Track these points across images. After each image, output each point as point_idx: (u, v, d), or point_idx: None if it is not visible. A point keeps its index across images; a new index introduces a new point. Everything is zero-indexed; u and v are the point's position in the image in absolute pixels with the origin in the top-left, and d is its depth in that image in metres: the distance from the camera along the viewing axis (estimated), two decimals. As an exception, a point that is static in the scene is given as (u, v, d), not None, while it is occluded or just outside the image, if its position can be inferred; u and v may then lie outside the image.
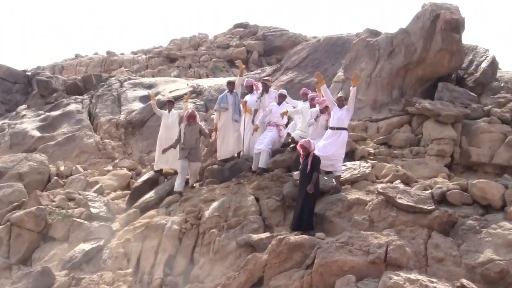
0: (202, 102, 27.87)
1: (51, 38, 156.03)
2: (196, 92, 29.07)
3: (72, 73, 42.56)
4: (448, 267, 10.25)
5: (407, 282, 9.44)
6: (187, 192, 16.04)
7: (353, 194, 12.98)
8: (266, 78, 19.48)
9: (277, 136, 16.30)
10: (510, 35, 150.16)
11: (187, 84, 30.72)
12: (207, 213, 14.05)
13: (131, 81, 31.95)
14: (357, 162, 14.75)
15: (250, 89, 17.73)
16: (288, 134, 16.65)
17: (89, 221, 16.03)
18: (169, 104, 18.95)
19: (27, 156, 21.60)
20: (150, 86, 30.58)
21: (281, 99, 16.65)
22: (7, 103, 32.89)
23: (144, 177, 18.55)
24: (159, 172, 18.20)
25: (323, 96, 14.57)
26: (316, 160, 12.32)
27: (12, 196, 18.42)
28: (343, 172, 13.92)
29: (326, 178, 13.73)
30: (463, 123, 15.48)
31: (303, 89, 17.65)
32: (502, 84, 18.38)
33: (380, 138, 16.29)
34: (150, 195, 16.97)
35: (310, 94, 16.09)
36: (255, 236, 12.28)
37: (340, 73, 21.40)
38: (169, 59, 45.32)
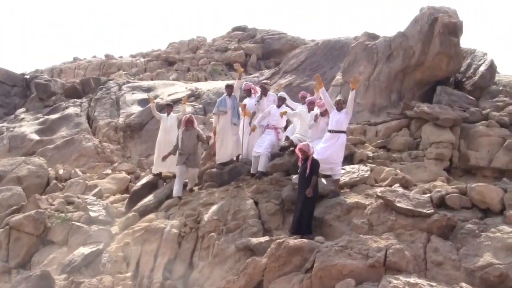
0: (200, 106, 27.84)
1: (49, 41, 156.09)
2: (195, 96, 29.07)
3: (70, 76, 42.64)
4: (447, 271, 10.26)
5: (407, 286, 9.45)
6: (186, 196, 16.05)
7: (352, 198, 13.00)
8: (265, 81, 19.47)
9: (275, 140, 16.31)
10: (509, 35, 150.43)
11: (186, 88, 30.72)
12: (206, 217, 14.06)
13: (129, 85, 31.94)
14: (356, 166, 14.78)
15: (248, 92, 17.73)
16: (287, 138, 16.67)
17: (88, 224, 16.01)
18: (167, 107, 18.99)
19: (26, 160, 21.61)
20: (148, 90, 30.57)
21: (280, 101, 16.65)
22: (6, 107, 32.88)
23: (143, 180, 18.55)
24: (158, 175, 18.23)
25: (320, 99, 14.62)
26: (315, 163, 12.35)
27: (11, 199, 18.43)
28: (342, 176, 13.95)
29: (324, 181, 13.74)
30: (461, 126, 15.51)
31: (301, 92, 17.69)
32: (500, 88, 18.38)
33: (378, 141, 16.30)
34: (149, 198, 16.96)
35: (308, 97, 16.11)
36: (254, 240, 12.29)
37: (339, 77, 21.39)
38: (167, 62, 45.40)
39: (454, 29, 17.61)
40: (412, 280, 9.64)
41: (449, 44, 17.50)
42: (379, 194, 12.13)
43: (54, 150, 25.27)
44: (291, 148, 15.72)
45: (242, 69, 18.00)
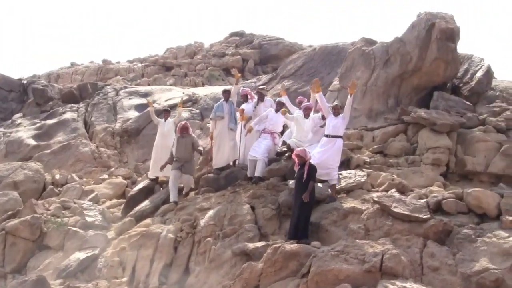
0: (197, 111, 27.84)
1: (47, 47, 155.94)
2: (192, 101, 29.07)
3: (67, 82, 42.62)
4: (443, 276, 10.27)
5: (403, 291, 9.46)
6: (182, 201, 16.03)
7: (349, 203, 12.98)
8: (261, 87, 19.49)
9: (272, 144, 16.29)
10: (509, 36, 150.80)
11: (183, 93, 30.72)
12: (202, 222, 14.04)
13: (126, 90, 31.93)
14: (353, 171, 14.77)
15: (245, 98, 17.74)
16: (284, 142, 16.66)
17: (84, 229, 15.99)
18: (165, 113, 19.24)
19: (22, 165, 21.55)
20: (145, 95, 30.55)
21: (279, 106, 16.62)
22: (3, 112, 32.81)
23: (140, 185, 18.54)
24: (155, 180, 18.24)
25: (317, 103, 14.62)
26: (313, 169, 12.35)
27: (7, 204, 18.37)
28: (338, 181, 13.95)
29: (321, 186, 13.72)
30: (458, 132, 15.53)
31: (299, 97, 17.70)
32: (497, 93, 18.45)
33: (375, 147, 16.30)
34: (145, 203, 16.94)
35: (304, 103, 16.09)
36: (251, 245, 12.27)
37: (336, 82, 21.42)
38: (165, 68, 45.44)
39: (451, 34, 17.65)
40: (408, 285, 9.64)
41: (446, 49, 17.55)
42: (376, 199, 12.15)
43: (50, 155, 25.24)
44: (288, 153, 15.71)
45: (239, 75, 17.98)
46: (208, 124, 21.83)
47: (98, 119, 28.59)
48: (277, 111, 16.53)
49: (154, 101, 27.90)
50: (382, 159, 15.64)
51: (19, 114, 31.50)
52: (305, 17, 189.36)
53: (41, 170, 21.42)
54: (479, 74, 18.37)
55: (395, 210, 11.61)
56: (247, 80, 34.14)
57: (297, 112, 16.32)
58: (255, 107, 17.24)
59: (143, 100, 29.21)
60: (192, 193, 16.71)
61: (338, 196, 13.62)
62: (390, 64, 18.73)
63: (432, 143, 15.14)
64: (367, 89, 18.89)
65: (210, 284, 12.43)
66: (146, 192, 17.81)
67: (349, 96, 13.83)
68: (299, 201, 12.22)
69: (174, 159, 16.42)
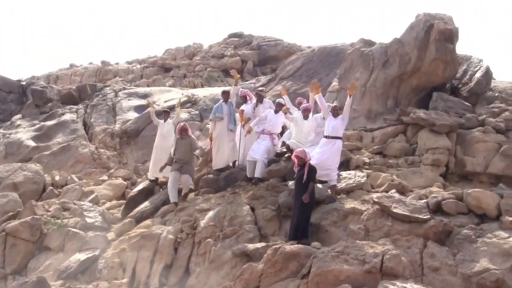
0: (197, 112, 27.83)
1: (46, 48, 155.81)
2: (191, 102, 29.07)
3: (67, 83, 42.63)
4: (443, 276, 10.28)
5: (403, 291, 9.48)
6: (182, 202, 16.04)
7: (349, 204, 13.00)
8: (260, 89, 19.48)
9: (271, 145, 16.30)
10: (508, 37, 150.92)
11: (182, 94, 30.68)
12: (202, 223, 14.05)
13: (126, 91, 31.92)
14: (352, 172, 14.79)
15: (244, 99, 17.76)
16: (283, 143, 16.67)
17: (84, 231, 15.99)
18: (164, 114, 19.33)
19: (22, 166, 21.55)
20: (145, 96, 30.51)
21: (278, 107, 16.62)
22: (2, 113, 32.80)
23: (139, 186, 18.56)
24: (155, 181, 18.26)
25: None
26: (313, 170, 12.36)
27: (7, 206, 18.37)
28: (338, 182, 13.96)
29: (321, 186, 13.74)
30: (457, 132, 15.56)
31: (298, 98, 17.69)
32: (496, 94, 18.47)
33: (375, 147, 16.32)
34: (145, 204, 16.96)
35: (303, 104, 16.09)
36: (251, 246, 12.29)
37: (335, 83, 21.43)
38: (163, 69, 45.41)
39: (450, 35, 17.67)
40: (408, 285, 9.67)
41: (445, 50, 17.56)
42: (376, 200, 12.16)
43: (50, 156, 25.23)
44: (287, 154, 15.73)
45: (238, 76, 17.98)
46: (207, 125, 21.87)
47: (98, 120, 28.57)
48: (276, 112, 16.54)
49: (153, 103, 27.93)
50: (381, 160, 15.67)
51: (18, 116, 31.49)
52: (304, 18, 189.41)
53: (40, 171, 21.43)
54: (478, 75, 18.39)
55: (395, 210, 11.64)
56: (246, 81, 34.14)
57: (297, 113, 16.33)
58: (254, 109, 17.25)
59: (142, 101, 29.22)
60: (192, 194, 16.73)
61: (338, 197, 13.63)
62: (389, 65, 18.74)
63: (431, 143, 15.17)
64: (366, 90, 18.90)
65: (211, 285, 12.44)
66: (146, 193, 17.83)
67: (348, 97, 13.87)
68: (299, 202, 12.23)
69: (174, 160, 16.44)
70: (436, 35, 17.54)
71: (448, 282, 10.15)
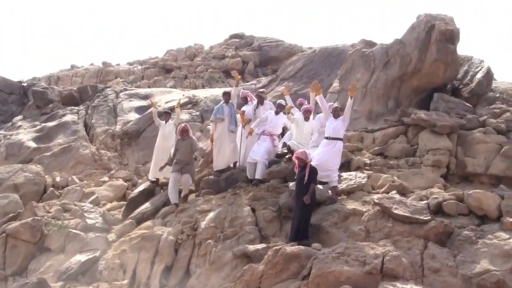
0: (198, 113, 27.82)
1: (46, 48, 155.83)
2: (192, 103, 29.05)
3: (68, 84, 42.64)
4: (444, 278, 10.26)
5: (404, 292, 9.47)
6: (183, 203, 16.03)
7: (349, 205, 12.99)
8: (261, 90, 19.48)
9: (271, 146, 16.28)
10: (509, 38, 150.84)
11: (183, 95, 30.64)
12: (203, 224, 14.03)
13: (127, 92, 31.89)
14: (353, 173, 14.78)
15: (245, 100, 17.77)
16: (284, 144, 16.65)
17: (85, 232, 15.99)
18: (165, 115, 19.31)
19: (23, 167, 21.56)
20: (146, 97, 30.49)
21: (279, 108, 16.61)
22: (3, 114, 32.76)
23: (140, 187, 18.56)
24: (155, 182, 18.26)
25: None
26: (314, 171, 12.35)
27: (8, 207, 18.38)
28: (339, 183, 13.94)
29: (321, 187, 13.72)
30: (458, 133, 15.55)
31: (299, 99, 17.67)
32: (497, 95, 18.44)
33: (376, 148, 16.31)
34: (146, 206, 16.96)
35: (304, 106, 16.06)
36: (251, 247, 12.26)
37: (336, 84, 21.43)
38: (165, 70, 45.45)
39: (451, 36, 17.67)
40: (409, 287, 9.65)
41: (446, 51, 17.57)
42: (376, 201, 12.15)
43: (51, 157, 25.21)
44: (288, 155, 15.71)
45: (239, 77, 17.99)
46: (208, 126, 21.86)
47: (99, 121, 28.55)
48: (277, 113, 16.53)
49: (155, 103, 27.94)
50: (382, 161, 15.66)
51: (19, 117, 31.47)
52: (305, 18, 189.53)
53: (41, 172, 21.42)
54: (479, 75, 18.38)
55: (395, 211, 11.62)
56: (247, 82, 34.17)
57: (298, 114, 16.31)
58: (255, 110, 17.23)
59: (143, 102, 29.24)
60: (192, 195, 16.72)
61: (339, 198, 13.62)
62: (390, 66, 18.75)
63: (432, 144, 15.16)
64: (367, 91, 18.90)
65: (211, 286, 12.42)
66: (147, 194, 17.83)
67: (349, 98, 13.86)
68: (300, 203, 12.21)
69: (174, 161, 16.44)
70: (437, 36, 17.55)
71: (448, 283, 10.13)
